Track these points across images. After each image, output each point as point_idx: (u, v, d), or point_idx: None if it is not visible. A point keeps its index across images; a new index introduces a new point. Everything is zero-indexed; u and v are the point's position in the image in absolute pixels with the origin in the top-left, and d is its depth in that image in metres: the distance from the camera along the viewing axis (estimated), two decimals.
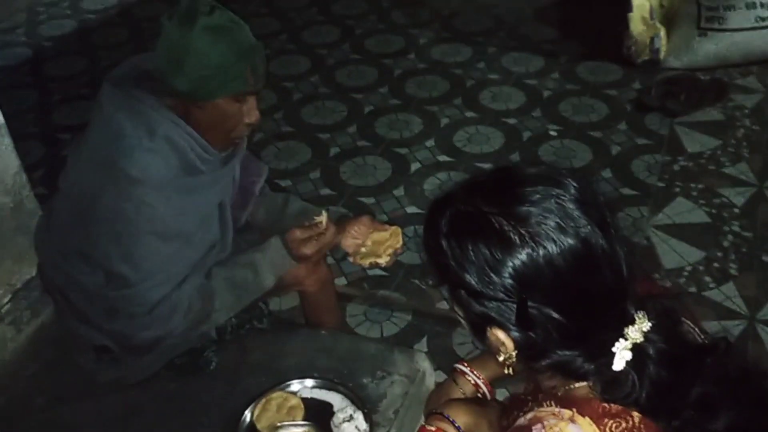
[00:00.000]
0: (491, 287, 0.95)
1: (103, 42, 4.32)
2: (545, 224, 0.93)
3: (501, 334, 0.99)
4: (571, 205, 0.94)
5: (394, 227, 1.90)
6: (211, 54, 1.53)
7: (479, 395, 1.38)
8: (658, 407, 0.97)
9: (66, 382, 1.87)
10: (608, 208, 0.99)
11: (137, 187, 1.58)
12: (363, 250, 1.87)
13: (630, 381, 0.97)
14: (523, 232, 0.93)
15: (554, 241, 0.92)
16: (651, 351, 0.97)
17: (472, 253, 0.96)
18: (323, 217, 1.81)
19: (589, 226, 0.94)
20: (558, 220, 0.93)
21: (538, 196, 0.95)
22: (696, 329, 1.10)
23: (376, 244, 1.87)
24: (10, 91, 3.85)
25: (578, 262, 0.93)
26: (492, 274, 0.95)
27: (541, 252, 0.92)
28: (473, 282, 0.96)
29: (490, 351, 1.05)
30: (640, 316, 0.98)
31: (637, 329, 0.97)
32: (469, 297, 0.98)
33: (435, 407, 1.33)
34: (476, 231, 0.96)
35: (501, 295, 0.95)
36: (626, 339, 0.97)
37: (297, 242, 1.79)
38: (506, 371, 1.07)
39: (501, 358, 1.02)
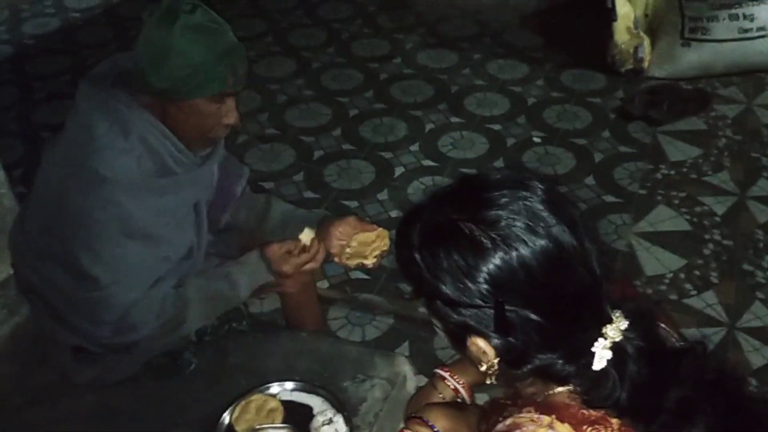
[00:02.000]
0: (467, 294, 0.95)
1: (87, 40, 4.28)
2: (515, 226, 0.94)
3: (481, 343, 0.99)
4: (539, 206, 0.95)
5: (380, 229, 1.88)
6: (191, 53, 1.50)
7: (459, 400, 1.38)
8: (637, 408, 0.97)
9: (44, 381, 1.85)
10: (578, 210, 1.00)
11: (105, 185, 1.55)
12: (348, 250, 1.85)
13: (611, 380, 0.97)
14: (494, 235, 0.94)
15: (525, 242, 0.93)
16: (629, 349, 0.98)
17: (445, 262, 0.96)
18: (307, 236, 1.75)
19: (558, 225, 0.95)
20: (527, 221, 0.94)
21: (505, 199, 0.95)
22: (674, 335, 1.10)
23: (362, 245, 1.85)
24: None
25: (551, 261, 0.94)
26: (467, 281, 0.95)
27: (513, 254, 0.93)
28: (449, 291, 0.96)
29: (471, 362, 1.04)
30: (617, 315, 0.99)
31: (615, 328, 0.98)
32: (446, 307, 0.98)
33: (414, 411, 1.32)
34: (447, 239, 0.96)
35: (478, 302, 0.95)
36: (605, 338, 0.97)
37: (277, 258, 1.74)
38: (489, 381, 1.06)
39: (483, 368, 1.02)
